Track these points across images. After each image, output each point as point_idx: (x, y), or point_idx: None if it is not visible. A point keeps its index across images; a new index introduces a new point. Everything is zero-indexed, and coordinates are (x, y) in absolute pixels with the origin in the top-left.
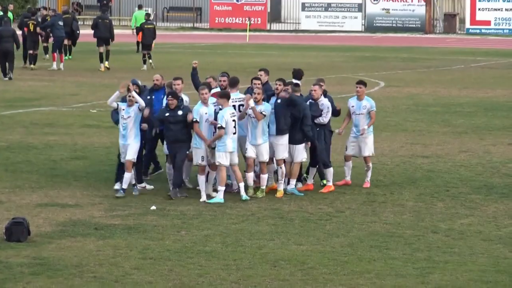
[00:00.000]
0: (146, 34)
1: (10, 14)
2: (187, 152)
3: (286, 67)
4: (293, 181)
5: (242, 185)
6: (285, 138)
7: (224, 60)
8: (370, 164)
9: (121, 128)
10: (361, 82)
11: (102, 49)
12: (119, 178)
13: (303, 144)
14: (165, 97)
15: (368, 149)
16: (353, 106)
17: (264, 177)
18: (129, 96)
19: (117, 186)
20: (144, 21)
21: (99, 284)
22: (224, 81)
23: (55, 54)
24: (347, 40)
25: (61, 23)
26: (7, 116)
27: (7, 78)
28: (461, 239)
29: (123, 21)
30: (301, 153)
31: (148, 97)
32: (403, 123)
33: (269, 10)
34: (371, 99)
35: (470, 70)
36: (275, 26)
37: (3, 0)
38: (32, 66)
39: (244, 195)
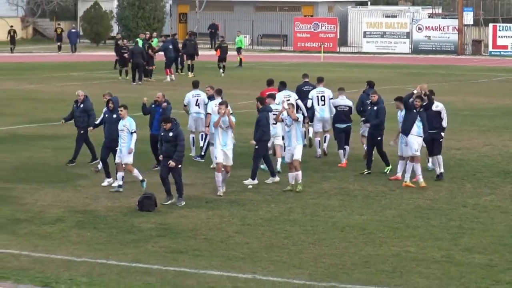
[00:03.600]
0: (223, 50)
1: (140, 41)
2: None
3: (351, 81)
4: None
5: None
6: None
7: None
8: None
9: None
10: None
11: (189, 62)
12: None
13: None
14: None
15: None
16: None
17: (299, 173)
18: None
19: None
20: (242, 44)
21: (209, 244)
22: (208, 90)
23: (167, 70)
24: (398, 60)
25: (170, 46)
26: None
27: (134, 83)
28: (485, 211)
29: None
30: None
31: (153, 106)
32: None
33: (338, 37)
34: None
35: (492, 83)
36: (343, 49)
37: (136, 28)
38: (149, 79)
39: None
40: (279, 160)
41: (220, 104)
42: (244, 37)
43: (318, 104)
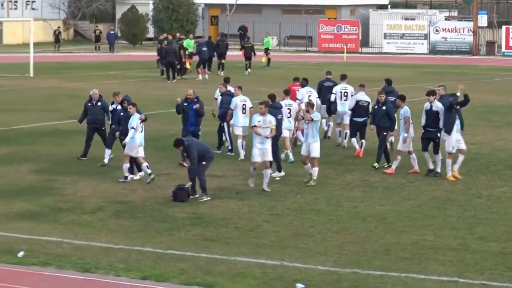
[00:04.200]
0: (247, 50)
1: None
2: (203, 163)
3: (372, 79)
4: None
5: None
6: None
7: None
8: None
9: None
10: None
11: (220, 61)
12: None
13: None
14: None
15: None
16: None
17: (316, 169)
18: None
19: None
20: (269, 45)
21: (239, 232)
22: (221, 88)
23: (199, 69)
24: (416, 60)
25: (204, 48)
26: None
27: (169, 81)
28: (498, 202)
29: (255, 45)
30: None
31: (185, 104)
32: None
33: (360, 38)
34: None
35: (505, 82)
36: (364, 49)
37: (170, 30)
38: (182, 76)
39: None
40: (289, 152)
41: (261, 104)
42: (271, 38)
43: (341, 99)
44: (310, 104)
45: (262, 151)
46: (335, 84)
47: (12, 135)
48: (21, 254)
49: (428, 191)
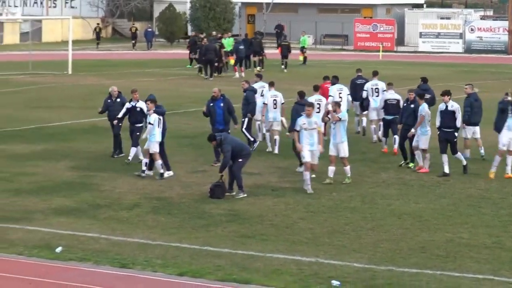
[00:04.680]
0: (283, 48)
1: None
2: (239, 160)
3: (407, 78)
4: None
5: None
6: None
7: (364, 72)
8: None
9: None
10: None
11: (255, 58)
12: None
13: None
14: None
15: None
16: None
17: (347, 168)
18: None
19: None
20: (305, 44)
21: (275, 229)
22: (243, 84)
23: (236, 67)
24: (451, 59)
25: (241, 47)
26: None
27: (211, 78)
28: None
29: (292, 44)
30: None
31: (211, 104)
32: (492, 117)
33: (396, 37)
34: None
35: None
36: (400, 48)
37: (207, 28)
38: (220, 74)
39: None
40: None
41: (307, 105)
42: (308, 37)
43: (372, 95)
44: (337, 104)
45: (312, 153)
46: (367, 81)
47: (51, 132)
48: (59, 249)
49: (463, 189)
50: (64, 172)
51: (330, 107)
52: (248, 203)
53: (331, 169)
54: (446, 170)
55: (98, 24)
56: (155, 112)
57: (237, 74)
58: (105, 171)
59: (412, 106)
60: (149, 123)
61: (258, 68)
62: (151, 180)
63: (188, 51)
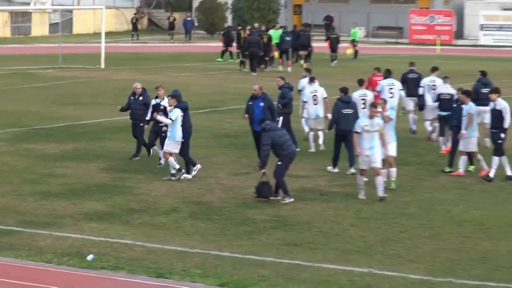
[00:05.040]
0: (332, 41)
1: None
2: (279, 163)
3: (467, 73)
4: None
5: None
6: None
7: (420, 67)
8: None
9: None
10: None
11: (302, 52)
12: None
13: None
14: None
15: None
16: None
17: (394, 170)
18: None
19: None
20: (356, 36)
21: (323, 237)
22: (279, 81)
23: (281, 60)
24: None
25: (287, 38)
26: None
27: (254, 74)
28: None
29: (342, 36)
30: None
31: (250, 103)
32: None
33: (454, 29)
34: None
35: None
36: (459, 41)
37: (251, 19)
38: (266, 69)
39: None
40: None
41: (371, 105)
42: (359, 29)
43: (429, 93)
44: (384, 101)
45: (370, 158)
46: (419, 76)
47: (82, 131)
48: (90, 257)
49: None
50: (96, 173)
51: (379, 109)
52: (295, 209)
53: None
54: (509, 172)
55: (135, 14)
56: (177, 107)
57: (280, 67)
58: (140, 172)
59: (464, 106)
60: (170, 118)
61: (306, 64)
62: (190, 183)
63: (222, 44)
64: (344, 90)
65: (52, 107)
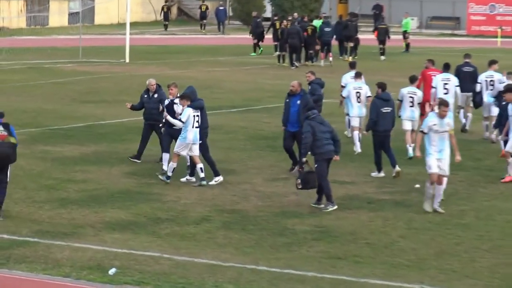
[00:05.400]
0: (381, 32)
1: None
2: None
3: None
4: None
5: None
6: None
7: (477, 61)
8: None
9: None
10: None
11: (348, 44)
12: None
13: None
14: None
15: None
16: None
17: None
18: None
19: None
20: (408, 27)
21: (371, 249)
22: (309, 76)
23: (323, 53)
24: None
25: (327, 29)
26: None
27: (294, 68)
28: None
29: (393, 27)
30: None
31: (287, 100)
32: None
33: None
34: None
35: None
36: None
37: (291, 8)
38: (309, 63)
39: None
40: (412, 145)
41: (442, 103)
42: (411, 19)
43: (487, 89)
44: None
45: (441, 162)
46: (475, 69)
47: (104, 131)
48: (112, 271)
49: None
50: (119, 179)
51: (428, 109)
52: (339, 218)
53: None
54: None
55: (166, 2)
56: (189, 107)
57: (322, 62)
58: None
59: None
60: (180, 120)
61: (350, 57)
62: (222, 190)
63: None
64: (382, 86)
65: (71, 105)
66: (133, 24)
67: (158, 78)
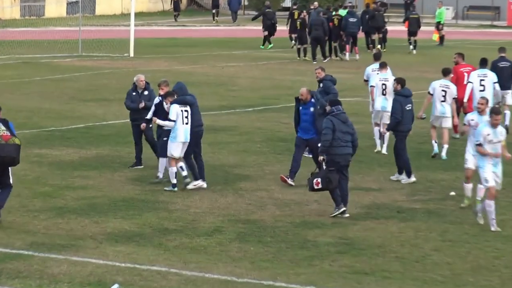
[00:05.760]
0: (412, 22)
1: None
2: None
3: None
4: None
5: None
6: None
7: None
8: None
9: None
10: None
11: (374, 36)
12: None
13: None
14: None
15: None
16: None
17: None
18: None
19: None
20: (442, 18)
21: (400, 263)
22: (319, 73)
23: (348, 46)
24: None
25: (352, 19)
26: None
27: (315, 62)
28: None
29: (425, 18)
30: None
31: (300, 108)
32: None
33: None
34: None
35: None
36: None
37: None
38: (341, 56)
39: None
40: (445, 146)
41: (493, 112)
42: (446, 9)
43: None
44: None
45: (496, 175)
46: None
47: (106, 133)
48: (115, 287)
49: None
50: (123, 185)
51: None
52: (365, 229)
53: (468, 187)
54: None
55: None
56: (174, 102)
57: (347, 56)
58: (177, 184)
59: None
60: (169, 119)
61: (376, 49)
62: (236, 198)
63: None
64: (401, 82)
65: (69, 104)
66: (138, 15)
67: (165, 74)
